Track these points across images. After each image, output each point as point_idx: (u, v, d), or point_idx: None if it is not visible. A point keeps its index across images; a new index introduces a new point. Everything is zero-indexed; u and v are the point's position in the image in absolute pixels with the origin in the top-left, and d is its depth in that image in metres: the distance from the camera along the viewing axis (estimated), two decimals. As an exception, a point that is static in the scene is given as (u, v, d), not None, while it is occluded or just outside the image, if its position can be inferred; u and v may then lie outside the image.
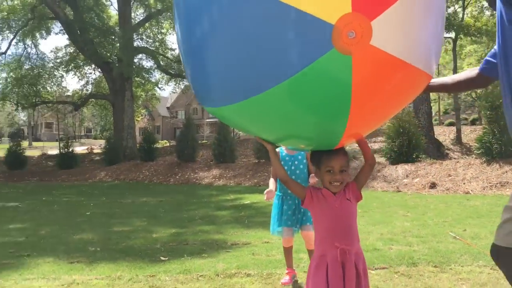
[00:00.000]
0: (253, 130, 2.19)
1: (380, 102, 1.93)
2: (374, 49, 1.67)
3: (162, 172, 16.56)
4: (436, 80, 2.44)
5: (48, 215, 8.50)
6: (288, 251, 4.00)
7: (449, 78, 2.51)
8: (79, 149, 29.78)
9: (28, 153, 27.07)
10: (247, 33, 1.69)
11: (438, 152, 15.45)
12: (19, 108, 27.55)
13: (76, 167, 19.92)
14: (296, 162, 3.80)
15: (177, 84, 29.57)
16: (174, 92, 41.83)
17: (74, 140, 52.87)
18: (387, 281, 3.92)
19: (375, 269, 4.29)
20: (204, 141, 32.76)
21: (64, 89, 29.73)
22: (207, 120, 56.53)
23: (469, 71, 2.44)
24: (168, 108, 69.22)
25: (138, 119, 35.24)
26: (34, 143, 50.72)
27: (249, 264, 4.52)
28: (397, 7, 1.66)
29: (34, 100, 26.52)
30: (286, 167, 3.66)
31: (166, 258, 4.78)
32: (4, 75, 27.18)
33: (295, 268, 4.14)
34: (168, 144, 33.79)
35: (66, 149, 20.19)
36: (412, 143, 12.29)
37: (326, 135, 2.05)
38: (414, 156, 12.40)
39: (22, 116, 55.08)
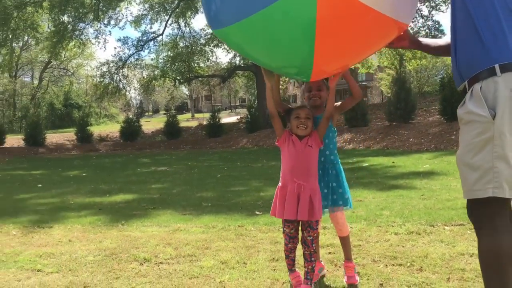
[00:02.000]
0: (250, 52, 2.58)
1: (345, 39, 2.17)
2: None
3: (296, 138, 17.31)
4: (422, 39, 2.61)
5: (186, 177, 9.79)
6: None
7: (432, 40, 2.67)
8: (232, 119, 32.14)
9: (189, 124, 30.22)
10: None
11: None
12: (177, 83, 30.71)
13: (223, 135, 21.77)
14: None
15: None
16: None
17: (230, 111, 56.83)
18: (456, 236, 4.01)
19: (451, 225, 4.36)
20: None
21: (213, 63, 32.22)
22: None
23: (449, 38, 2.58)
24: (316, 74, 69.62)
25: (282, 87, 36.50)
26: (196, 115, 55.70)
27: (329, 219, 4.91)
28: None
29: (188, 75, 29.25)
30: None
31: (260, 213, 5.42)
32: (164, 54, 30.41)
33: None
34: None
35: (213, 120, 22.11)
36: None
37: (301, 62, 2.37)
38: None
39: (185, 90, 60.79)
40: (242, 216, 5.30)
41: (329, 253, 3.80)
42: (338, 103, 3.11)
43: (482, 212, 2.08)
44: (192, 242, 4.26)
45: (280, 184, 2.86)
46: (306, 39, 2.12)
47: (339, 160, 3.22)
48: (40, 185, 9.13)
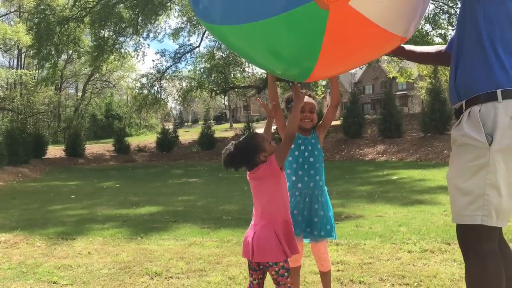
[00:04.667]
0: (247, 52, 2.43)
1: (347, 53, 2.15)
2: (351, 9, 1.84)
3: (329, 149, 17.21)
4: (406, 46, 2.52)
5: (213, 190, 9.91)
6: (294, 273, 2.85)
7: (419, 47, 2.59)
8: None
9: (226, 134, 30.54)
10: None
11: None
12: (213, 94, 31.12)
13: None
14: (310, 147, 2.84)
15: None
16: (360, 69, 42.01)
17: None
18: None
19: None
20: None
21: (249, 74, 32.46)
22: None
23: (439, 46, 2.51)
24: (355, 83, 68.98)
25: (318, 96, 36.41)
26: (235, 125, 56.14)
27: (345, 234, 4.88)
28: None
29: (224, 86, 29.59)
30: (297, 152, 2.84)
31: (278, 227, 5.43)
32: (201, 65, 30.91)
33: None
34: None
35: (247, 131, 22.25)
36: None
37: (302, 68, 2.29)
38: None
39: (223, 100, 61.59)
40: (258, 230, 5.33)
41: (338, 270, 3.77)
42: (320, 122, 2.97)
43: (470, 238, 2.04)
44: (204, 256, 4.32)
45: (280, 218, 2.43)
46: (311, 52, 2.08)
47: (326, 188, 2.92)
48: (73, 196, 9.46)
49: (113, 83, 50.95)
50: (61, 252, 4.73)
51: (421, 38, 20.65)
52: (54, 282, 3.75)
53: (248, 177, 2.56)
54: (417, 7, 2.16)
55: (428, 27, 22.09)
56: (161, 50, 37.83)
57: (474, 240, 2.03)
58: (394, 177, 9.74)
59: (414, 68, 30.14)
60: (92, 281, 3.74)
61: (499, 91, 1.95)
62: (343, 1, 1.81)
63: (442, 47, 2.51)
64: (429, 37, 21.25)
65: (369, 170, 11.83)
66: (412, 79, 34.31)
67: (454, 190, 2.05)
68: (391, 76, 35.76)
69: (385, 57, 30.09)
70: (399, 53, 2.57)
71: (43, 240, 5.27)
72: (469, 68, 2.07)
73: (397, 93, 53.91)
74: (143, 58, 56.41)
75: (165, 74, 30.13)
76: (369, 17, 1.92)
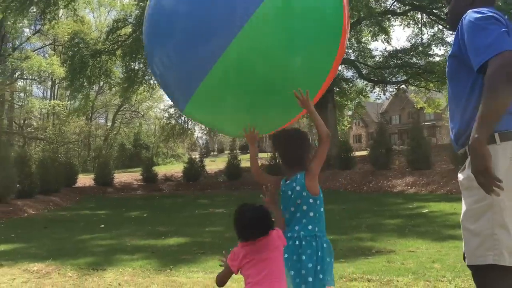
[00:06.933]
0: (221, 123, 2.63)
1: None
2: None
3: (356, 181, 16.99)
4: None
5: (241, 220, 9.87)
6: None
7: None
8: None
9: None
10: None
11: None
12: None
13: (280, 175, 21.71)
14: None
15: (381, 90, 29.53)
16: (387, 99, 42.05)
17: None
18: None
19: None
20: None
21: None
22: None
23: None
24: (381, 113, 68.56)
25: (345, 127, 36.34)
26: (261, 154, 56.10)
27: (377, 270, 4.78)
28: None
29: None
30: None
31: (307, 261, 5.36)
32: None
33: None
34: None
35: (273, 161, 22.21)
36: None
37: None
38: None
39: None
40: (287, 264, 5.27)
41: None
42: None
43: (484, 279, 2.07)
44: (233, 290, 4.29)
45: None
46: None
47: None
48: (102, 226, 9.57)
49: (142, 113, 51.94)
50: (92, 283, 4.77)
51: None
52: (86, 314, 3.78)
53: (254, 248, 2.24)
54: None
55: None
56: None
57: (488, 282, 2.04)
58: (425, 210, 9.54)
59: (442, 99, 29.84)
60: (123, 314, 3.75)
61: (496, 134, 2.02)
62: None
63: None
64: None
65: (398, 203, 11.62)
66: (440, 110, 33.96)
67: (465, 231, 2.11)
68: (418, 106, 35.53)
69: (412, 88, 30.03)
70: None
71: (74, 270, 5.33)
72: (466, 114, 2.16)
73: (425, 123, 53.35)
74: (171, 89, 57.54)
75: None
76: None
